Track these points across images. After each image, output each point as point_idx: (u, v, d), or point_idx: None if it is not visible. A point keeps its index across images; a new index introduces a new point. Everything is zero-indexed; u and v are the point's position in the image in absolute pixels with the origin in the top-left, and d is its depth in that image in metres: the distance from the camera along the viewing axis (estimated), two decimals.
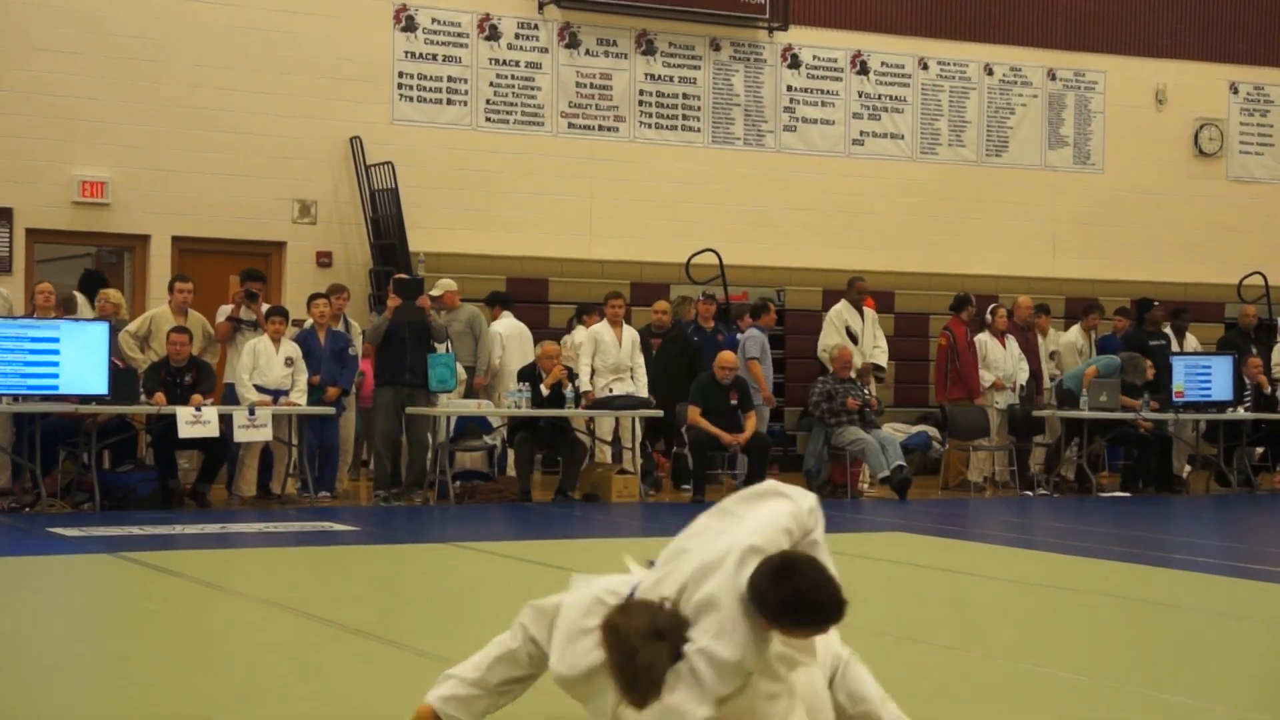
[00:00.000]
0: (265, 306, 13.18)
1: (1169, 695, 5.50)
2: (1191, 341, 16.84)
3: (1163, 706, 5.34)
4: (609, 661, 3.65)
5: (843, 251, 17.64)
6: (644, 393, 13.65)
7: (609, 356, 13.80)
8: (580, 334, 14.36)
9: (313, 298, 13.50)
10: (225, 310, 13.32)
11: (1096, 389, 14.98)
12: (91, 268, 15.44)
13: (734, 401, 13.46)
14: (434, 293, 14.09)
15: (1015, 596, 8.34)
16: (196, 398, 12.10)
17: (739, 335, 14.78)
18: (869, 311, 15.53)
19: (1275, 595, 8.45)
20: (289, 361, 12.71)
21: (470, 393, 13.74)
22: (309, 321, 13.34)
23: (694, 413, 13.38)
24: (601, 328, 13.90)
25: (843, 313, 15.34)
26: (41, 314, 12.64)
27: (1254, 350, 16.60)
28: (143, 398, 12.05)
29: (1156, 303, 16.55)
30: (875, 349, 15.39)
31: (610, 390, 13.65)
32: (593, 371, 13.78)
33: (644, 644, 3.63)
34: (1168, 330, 16.59)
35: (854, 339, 15.18)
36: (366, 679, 5.61)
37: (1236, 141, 19.96)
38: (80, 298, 13.63)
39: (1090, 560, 9.74)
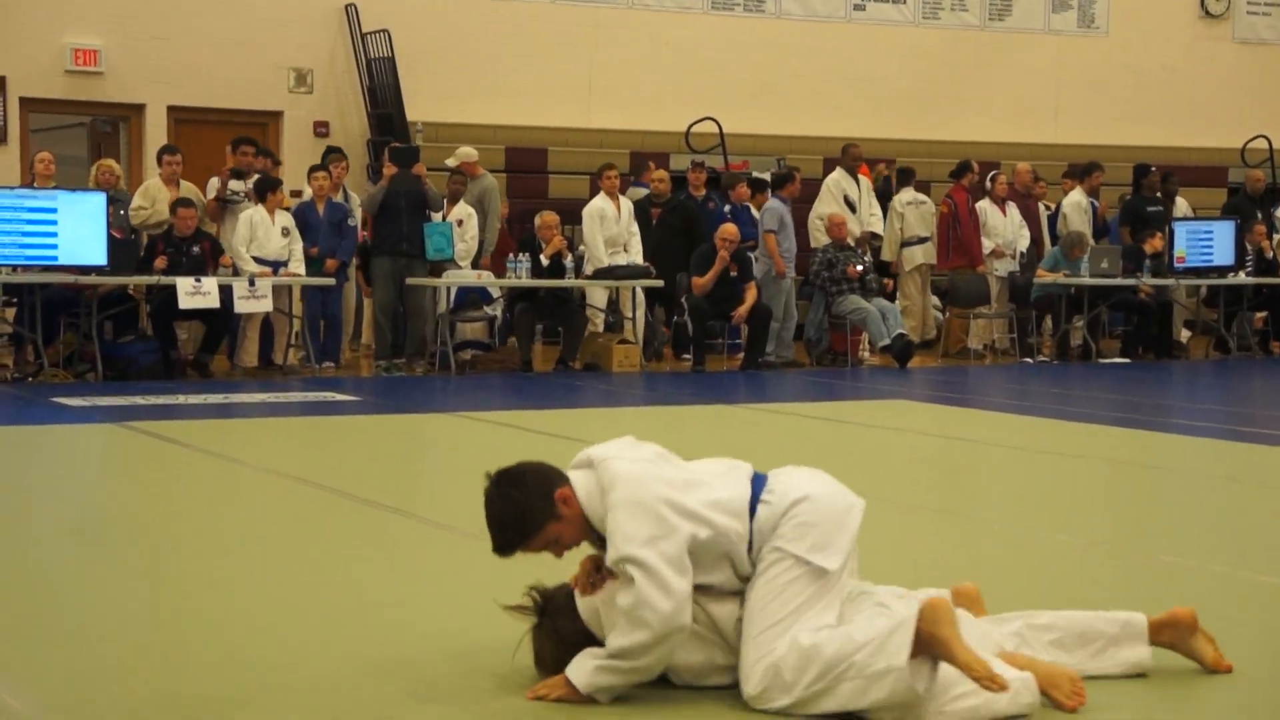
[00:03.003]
0: (255, 176, 13.05)
1: (1165, 556, 5.57)
2: (1182, 205, 16.75)
3: (1159, 567, 5.41)
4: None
5: (843, 119, 17.48)
6: (639, 261, 13.62)
7: (610, 229, 13.75)
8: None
9: (311, 170, 13.42)
10: (214, 185, 13.21)
11: (1098, 256, 14.94)
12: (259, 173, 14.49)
13: (734, 274, 13.43)
14: (450, 162, 13.99)
15: (1014, 462, 8.40)
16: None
17: (736, 206, 14.65)
18: (864, 179, 15.41)
19: (1271, 457, 8.52)
20: (285, 232, 12.67)
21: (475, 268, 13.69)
22: (307, 193, 13.27)
23: (697, 283, 13.36)
24: (601, 201, 13.81)
25: (840, 181, 15.22)
26: (41, 183, 12.57)
27: (1259, 216, 16.52)
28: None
29: (1153, 168, 16.44)
30: (872, 217, 15.30)
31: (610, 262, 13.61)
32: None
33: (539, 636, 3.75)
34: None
35: (852, 207, 15.08)
36: (374, 545, 5.67)
37: (1244, 1, 19.68)
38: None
39: (1089, 426, 9.79)
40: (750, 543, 3.68)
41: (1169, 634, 3.81)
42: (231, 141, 13.51)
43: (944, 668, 3.44)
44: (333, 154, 13.92)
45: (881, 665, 3.40)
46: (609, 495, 3.64)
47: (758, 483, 3.77)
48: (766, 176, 15.58)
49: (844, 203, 15.01)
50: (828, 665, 3.47)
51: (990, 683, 3.33)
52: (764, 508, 3.69)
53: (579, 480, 3.73)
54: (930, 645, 3.40)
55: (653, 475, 3.68)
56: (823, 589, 3.62)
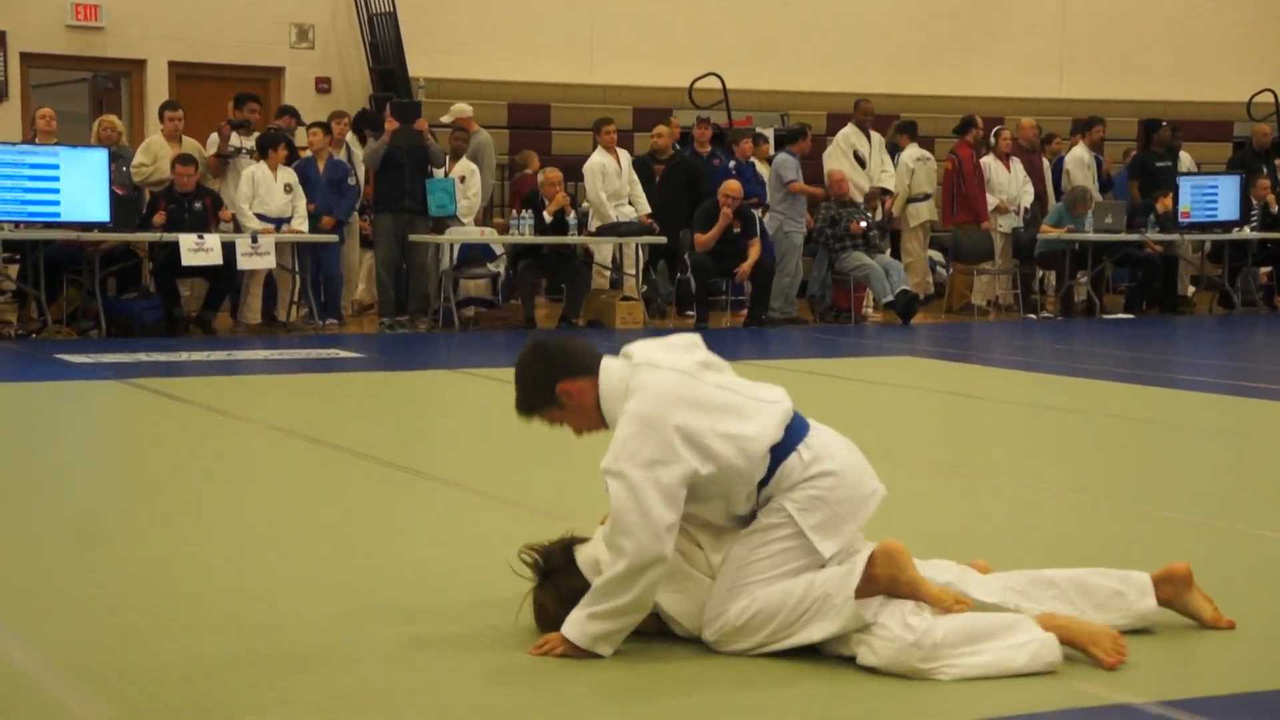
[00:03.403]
0: (256, 134, 13.02)
1: (1167, 512, 5.57)
2: (1186, 160, 16.68)
3: (1161, 522, 5.42)
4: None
5: (847, 75, 17.40)
6: (645, 211, 13.57)
7: (611, 184, 13.70)
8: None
9: (309, 127, 13.37)
10: (213, 140, 13.16)
11: (1102, 211, 14.90)
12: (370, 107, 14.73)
13: (737, 230, 13.40)
14: (445, 118, 13.93)
15: (1018, 418, 8.41)
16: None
17: (741, 162, 14.58)
18: (875, 135, 15.32)
19: (1275, 412, 8.52)
20: (288, 188, 12.64)
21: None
22: (307, 150, 13.23)
23: (699, 240, 13.32)
24: (600, 156, 13.75)
25: (850, 136, 15.13)
26: (43, 139, 12.53)
27: (1264, 170, 16.45)
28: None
29: (1164, 123, 16.36)
30: (883, 173, 15.22)
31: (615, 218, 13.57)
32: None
33: (540, 591, 3.75)
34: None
35: (861, 163, 15.01)
36: (377, 501, 5.69)
37: None
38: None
39: (1093, 382, 9.79)
40: (762, 484, 3.64)
41: (1167, 589, 3.82)
42: (235, 98, 13.46)
43: (954, 623, 3.48)
44: (334, 115, 13.83)
45: (838, 600, 3.50)
46: (628, 401, 3.61)
47: (797, 429, 3.69)
48: (768, 133, 15.52)
49: (853, 158, 14.94)
50: (789, 614, 3.54)
51: (958, 605, 3.48)
52: (795, 458, 3.65)
53: (609, 371, 3.70)
54: (894, 588, 3.49)
55: (678, 395, 3.61)
56: (808, 565, 3.63)
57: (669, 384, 3.63)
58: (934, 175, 15.56)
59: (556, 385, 3.69)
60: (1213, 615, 3.87)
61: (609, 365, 3.72)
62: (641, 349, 3.76)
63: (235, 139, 12.99)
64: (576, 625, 3.59)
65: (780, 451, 3.65)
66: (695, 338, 3.83)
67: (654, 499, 3.50)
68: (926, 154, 15.70)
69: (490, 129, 15.01)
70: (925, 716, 3.24)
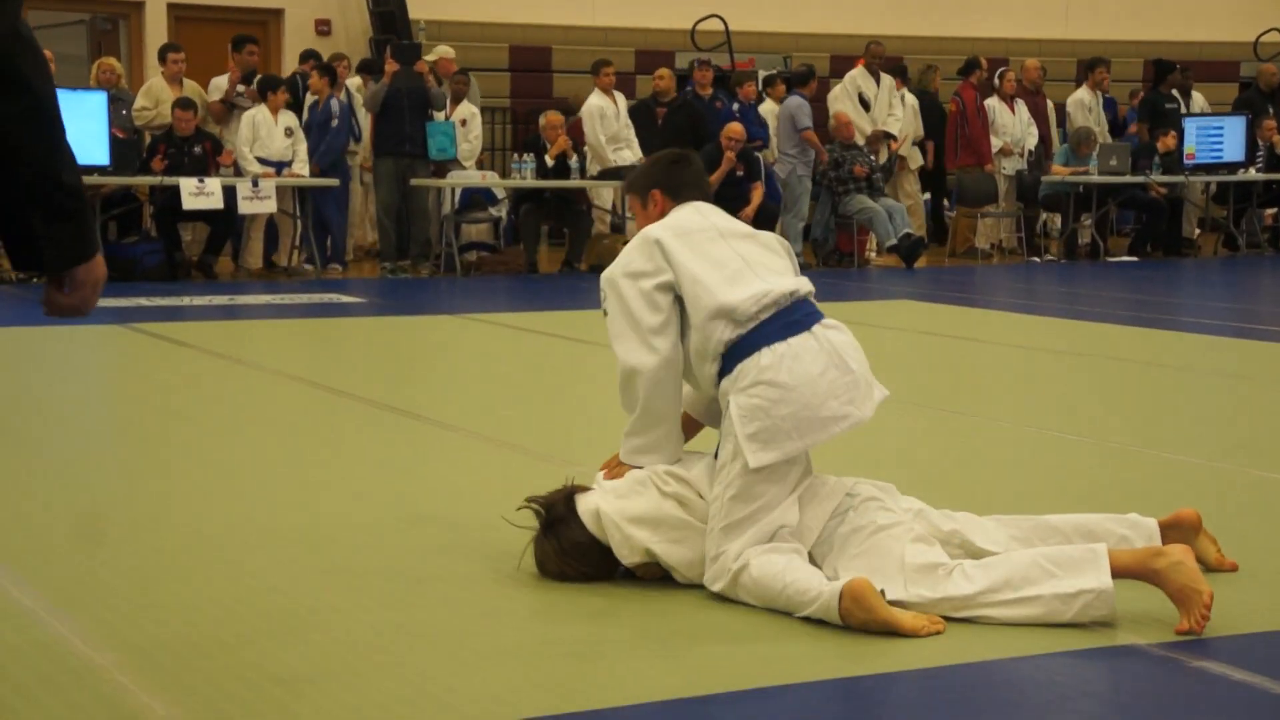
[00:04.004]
0: (258, 77, 12.94)
1: (1171, 454, 5.57)
2: (1199, 100, 16.58)
3: (1165, 464, 5.41)
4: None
5: (851, 16, 17.29)
6: (641, 156, 13.50)
7: (610, 127, 13.62)
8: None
9: (310, 69, 13.28)
10: (219, 84, 13.07)
11: (1107, 153, 14.82)
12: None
13: (740, 174, 13.33)
14: (429, 58, 13.83)
15: (1021, 362, 8.39)
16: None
17: (744, 104, 14.49)
18: (886, 78, 15.16)
19: (1279, 355, 8.51)
20: (289, 132, 12.57)
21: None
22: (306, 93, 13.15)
23: None
24: (599, 98, 13.66)
25: (856, 79, 14.99)
26: None
27: (1270, 111, 16.34)
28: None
29: (1177, 65, 16.23)
30: (890, 117, 15.10)
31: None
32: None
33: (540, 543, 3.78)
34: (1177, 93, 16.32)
35: (866, 106, 14.90)
36: (379, 446, 5.68)
37: None
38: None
39: (1097, 324, 9.77)
40: (723, 374, 3.69)
41: (1173, 535, 3.80)
42: (233, 40, 13.35)
43: (1007, 565, 3.46)
44: (334, 58, 13.73)
45: (816, 609, 3.44)
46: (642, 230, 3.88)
47: (780, 326, 3.67)
48: (773, 73, 15.41)
49: (858, 101, 14.82)
50: (774, 597, 3.51)
51: (932, 626, 3.38)
52: (754, 360, 3.62)
53: (680, 211, 3.91)
54: (869, 628, 3.36)
55: (683, 228, 3.82)
56: (764, 491, 3.60)
57: (682, 219, 3.87)
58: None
59: (653, 189, 3.97)
60: (1217, 557, 3.86)
61: (685, 208, 3.94)
62: (677, 216, 3.91)
63: (243, 88, 12.89)
64: (622, 446, 3.82)
65: (744, 347, 3.65)
66: (708, 214, 3.93)
67: (638, 305, 3.72)
68: (911, 97, 15.56)
69: (491, 72, 14.93)
70: (925, 660, 3.24)
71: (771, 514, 3.61)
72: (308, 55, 13.78)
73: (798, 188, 13.98)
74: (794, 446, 3.61)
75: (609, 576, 3.77)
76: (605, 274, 3.83)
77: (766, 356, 3.63)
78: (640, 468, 3.78)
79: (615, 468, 3.83)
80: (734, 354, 3.67)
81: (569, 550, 3.72)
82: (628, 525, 3.67)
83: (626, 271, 3.77)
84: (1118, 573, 3.42)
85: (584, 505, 3.75)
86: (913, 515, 3.68)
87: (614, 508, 3.69)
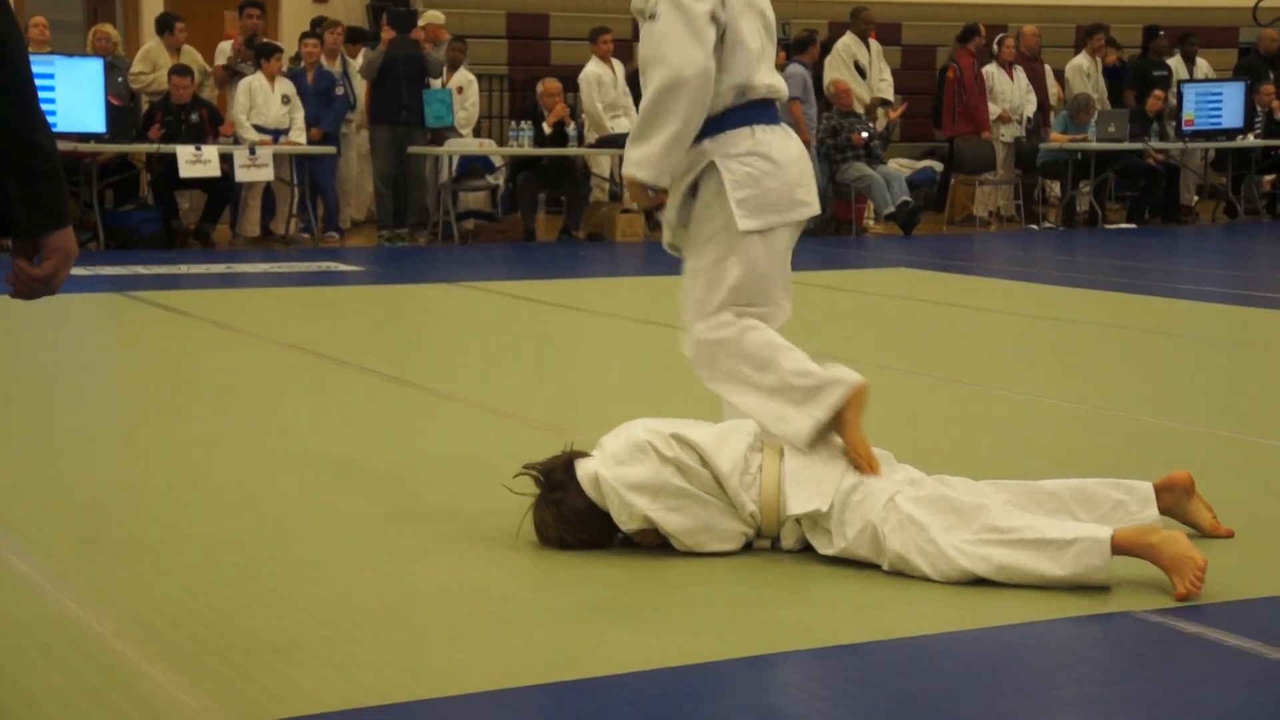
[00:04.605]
0: (260, 41, 12.91)
1: (1168, 421, 5.57)
2: (1203, 67, 16.53)
3: (1163, 431, 5.42)
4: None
5: None
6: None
7: (607, 94, 13.58)
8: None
9: (303, 36, 13.24)
10: (224, 49, 13.03)
11: (1105, 119, 14.79)
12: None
13: None
14: (419, 23, 13.78)
15: (1020, 329, 8.39)
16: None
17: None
18: (875, 44, 15.13)
19: (1277, 322, 8.50)
20: (285, 99, 12.54)
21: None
22: (301, 62, 13.11)
23: None
24: (596, 66, 13.61)
25: (850, 46, 14.95)
26: (36, 49, 12.40)
27: (1270, 77, 16.30)
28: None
29: (1162, 31, 16.18)
30: (882, 82, 15.06)
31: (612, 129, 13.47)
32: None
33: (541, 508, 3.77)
34: (1169, 61, 16.22)
35: (862, 73, 14.85)
36: (378, 414, 5.69)
37: None
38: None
39: (1095, 292, 9.77)
40: (709, 133, 3.85)
41: (1167, 498, 3.82)
42: (239, 5, 13.28)
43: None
44: (327, 25, 13.67)
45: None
46: None
47: (765, 112, 3.92)
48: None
49: (853, 68, 14.78)
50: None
51: (868, 467, 3.64)
52: (746, 130, 3.87)
53: None
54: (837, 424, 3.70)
55: None
56: (738, 261, 3.86)
57: None
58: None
59: None
60: (1211, 523, 3.86)
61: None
62: None
63: (243, 57, 12.85)
64: (638, 154, 3.85)
65: (739, 117, 3.88)
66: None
67: (700, 18, 3.77)
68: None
69: (488, 39, 14.86)
70: (921, 628, 3.25)
71: (762, 284, 3.91)
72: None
73: None
74: (774, 220, 3.90)
75: (608, 543, 3.78)
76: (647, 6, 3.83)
77: (761, 132, 3.91)
78: (644, 183, 3.87)
79: (630, 186, 3.94)
80: (727, 119, 3.87)
81: (568, 517, 3.73)
82: (627, 492, 3.68)
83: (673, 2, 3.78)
84: (1115, 550, 3.43)
85: (583, 471, 3.75)
86: (908, 483, 3.69)
87: (613, 474, 3.70)
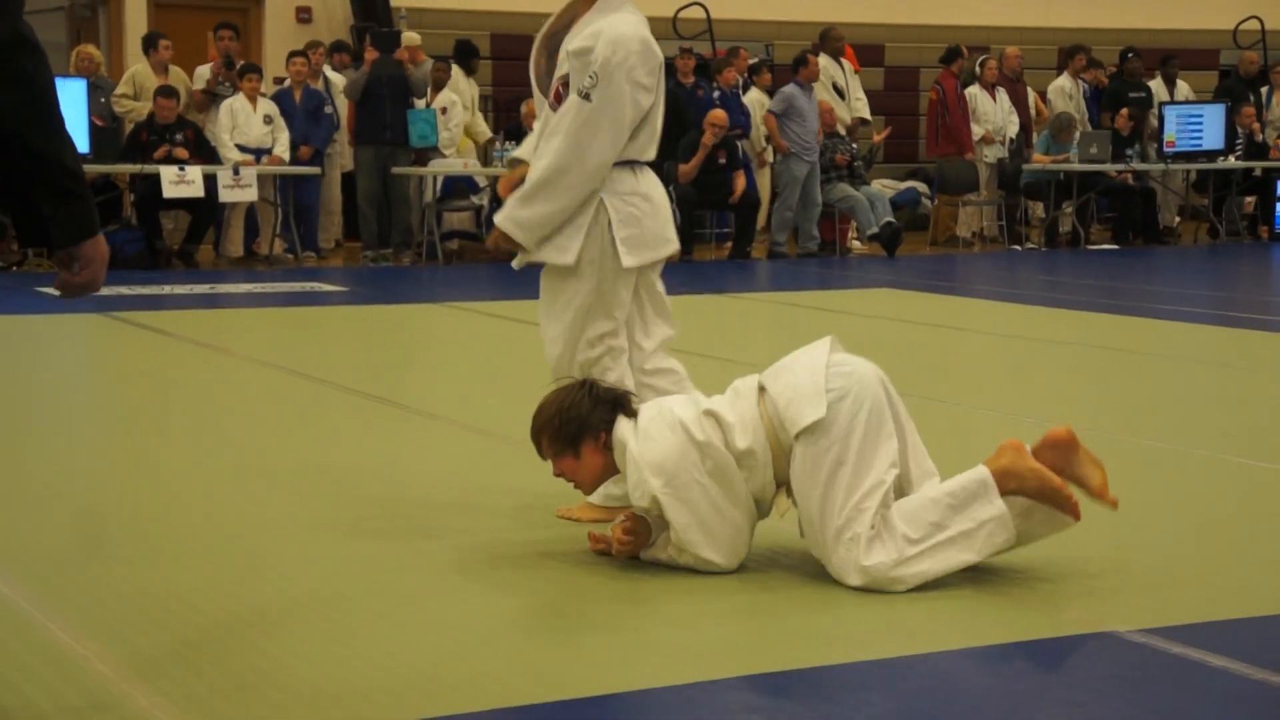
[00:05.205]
0: (240, 63, 12.92)
1: (1151, 441, 5.59)
2: (1183, 89, 16.61)
3: (1145, 452, 5.43)
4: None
5: (831, 4, 17.25)
6: None
7: None
8: None
9: (291, 55, 13.24)
10: (203, 73, 13.02)
11: (1087, 141, 14.86)
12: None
13: (722, 160, 13.32)
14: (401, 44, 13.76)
15: (1003, 350, 8.41)
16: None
17: (725, 92, 14.45)
18: (849, 64, 15.16)
19: (1257, 342, 8.54)
20: (267, 119, 12.53)
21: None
22: (287, 80, 13.11)
23: (682, 170, 13.25)
24: None
25: (827, 68, 15.00)
26: None
27: (1250, 99, 16.39)
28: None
29: (1132, 53, 16.26)
30: (858, 101, 15.10)
31: None
32: None
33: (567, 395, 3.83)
34: (1150, 83, 16.29)
35: (840, 94, 14.90)
36: (363, 435, 5.68)
37: None
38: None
39: (1078, 313, 9.80)
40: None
41: (1049, 456, 3.69)
42: (214, 27, 13.28)
43: (915, 513, 3.62)
44: (310, 45, 13.69)
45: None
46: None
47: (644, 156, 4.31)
48: (756, 61, 15.38)
49: (832, 90, 14.83)
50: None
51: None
52: (628, 170, 4.26)
53: None
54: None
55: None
56: (618, 290, 4.25)
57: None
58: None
59: None
60: (1100, 485, 3.71)
61: None
62: None
63: (223, 77, 12.83)
64: (516, 212, 4.31)
65: (624, 159, 4.22)
66: None
67: (628, 110, 4.17)
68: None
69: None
70: (902, 649, 3.25)
71: (621, 309, 4.27)
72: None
73: (785, 175, 13.90)
74: (650, 256, 4.27)
75: (575, 472, 3.80)
76: (609, 63, 4.10)
77: (640, 173, 4.29)
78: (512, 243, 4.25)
79: (496, 238, 4.33)
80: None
81: (568, 422, 3.74)
82: (645, 469, 3.68)
83: (632, 78, 4.13)
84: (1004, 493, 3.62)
85: (619, 430, 3.75)
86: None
87: (639, 449, 3.70)
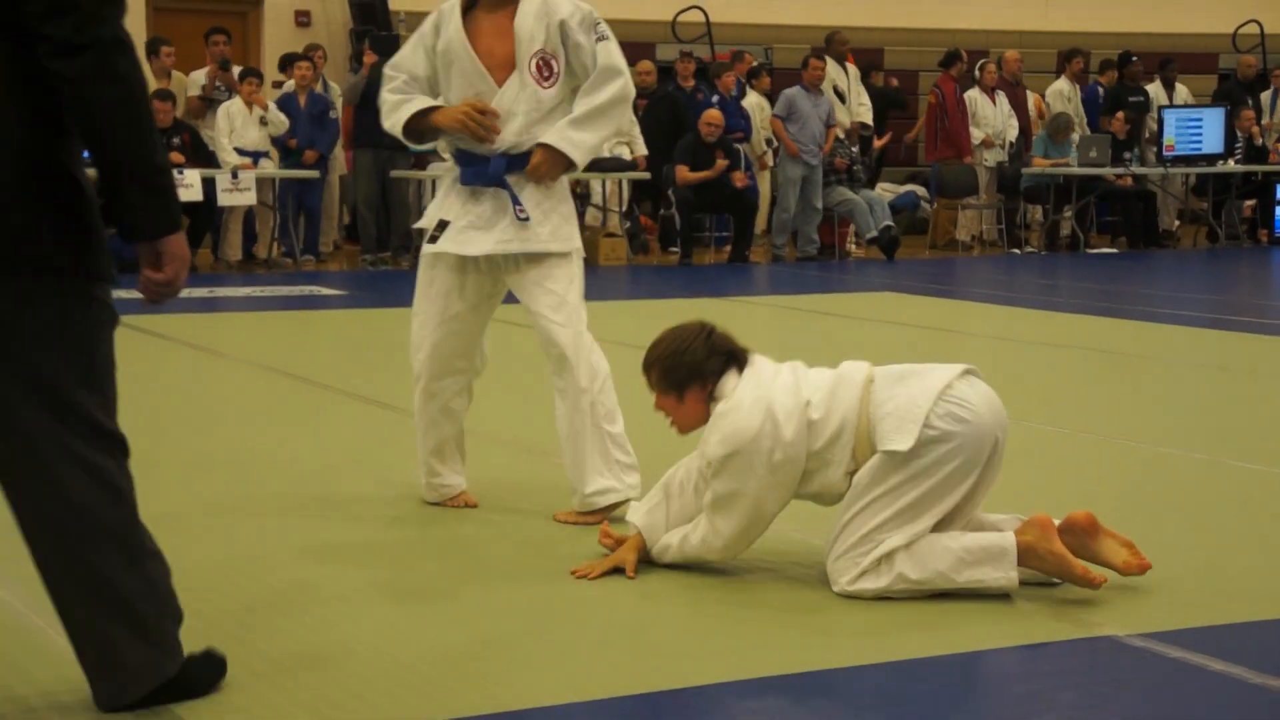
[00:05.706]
0: (238, 70, 12.90)
1: (1151, 445, 5.58)
2: (1182, 93, 16.62)
3: (1144, 455, 5.43)
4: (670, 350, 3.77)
5: (831, 8, 17.25)
6: (641, 153, 13.40)
7: None
8: None
9: (296, 59, 13.24)
10: (197, 79, 13.01)
11: (1087, 144, 14.86)
12: None
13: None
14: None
15: (1002, 353, 8.41)
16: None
17: (724, 96, 14.45)
18: (852, 68, 15.15)
19: (1257, 345, 8.53)
20: (264, 122, 12.53)
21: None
22: (290, 84, 13.11)
23: (682, 172, 13.24)
24: None
25: (829, 72, 14.98)
26: None
27: (1250, 103, 16.39)
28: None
29: (1135, 57, 16.27)
30: (860, 106, 15.09)
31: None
32: None
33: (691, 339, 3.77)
34: (1149, 87, 16.29)
35: (841, 97, 14.88)
36: (360, 438, 5.67)
37: None
38: None
39: (1077, 316, 9.79)
40: None
41: (1069, 540, 3.63)
42: (206, 31, 13.27)
43: (933, 560, 3.53)
44: (310, 49, 13.68)
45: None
46: None
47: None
48: (755, 65, 15.38)
49: (833, 93, 14.81)
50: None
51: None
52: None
53: None
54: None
55: None
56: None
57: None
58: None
59: None
60: (1126, 561, 3.64)
61: None
62: None
63: (219, 81, 12.83)
64: (568, 138, 4.26)
65: None
66: None
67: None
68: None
69: None
70: (903, 653, 3.24)
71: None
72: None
73: (781, 176, 13.88)
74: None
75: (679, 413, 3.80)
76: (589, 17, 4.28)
77: None
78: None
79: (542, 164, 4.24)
80: None
81: (679, 365, 3.72)
82: (717, 433, 3.63)
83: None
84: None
85: (725, 387, 3.72)
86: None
87: (726, 411, 3.66)
